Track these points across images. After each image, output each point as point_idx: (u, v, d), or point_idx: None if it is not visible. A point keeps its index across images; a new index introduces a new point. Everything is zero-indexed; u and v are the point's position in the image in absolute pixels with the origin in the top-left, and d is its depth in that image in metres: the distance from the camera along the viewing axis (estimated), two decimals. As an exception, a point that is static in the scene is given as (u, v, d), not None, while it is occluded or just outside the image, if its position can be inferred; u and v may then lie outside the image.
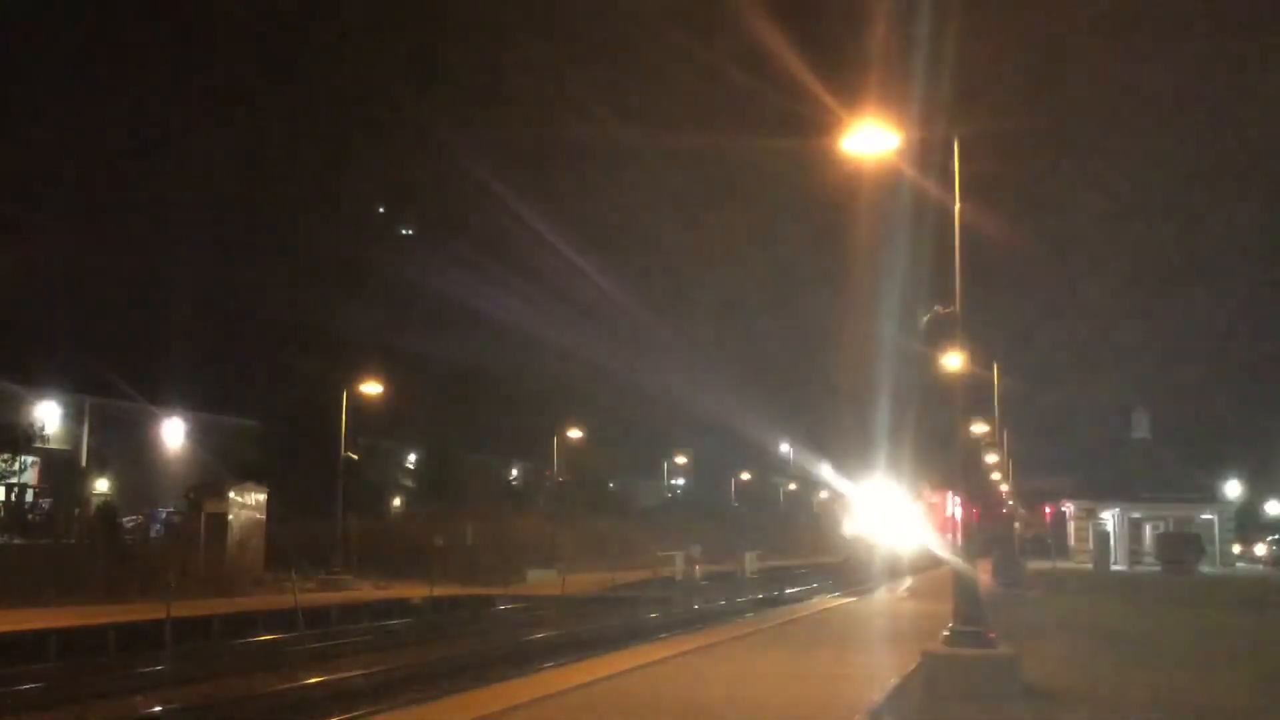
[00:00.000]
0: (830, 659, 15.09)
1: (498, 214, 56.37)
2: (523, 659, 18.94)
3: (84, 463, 42.00)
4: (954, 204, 11.78)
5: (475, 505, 43.92)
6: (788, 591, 37.10)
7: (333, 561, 32.73)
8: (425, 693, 14.62)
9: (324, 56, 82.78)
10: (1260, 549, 65.27)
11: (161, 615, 19.91)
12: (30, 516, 30.48)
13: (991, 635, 11.88)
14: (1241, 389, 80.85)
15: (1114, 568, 52.01)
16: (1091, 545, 55.86)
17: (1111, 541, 56.36)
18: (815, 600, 32.02)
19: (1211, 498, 61.01)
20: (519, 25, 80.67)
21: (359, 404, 35.77)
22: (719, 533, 58.33)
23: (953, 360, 12.10)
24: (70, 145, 56.46)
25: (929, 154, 11.67)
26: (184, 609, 21.17)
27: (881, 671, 13.19)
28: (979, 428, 30.29)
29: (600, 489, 63.39)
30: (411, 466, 55.45)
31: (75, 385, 41.74)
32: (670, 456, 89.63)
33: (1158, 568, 52.08)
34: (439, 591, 29.60)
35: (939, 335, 12.04)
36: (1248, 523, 67.71)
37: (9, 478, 31.78)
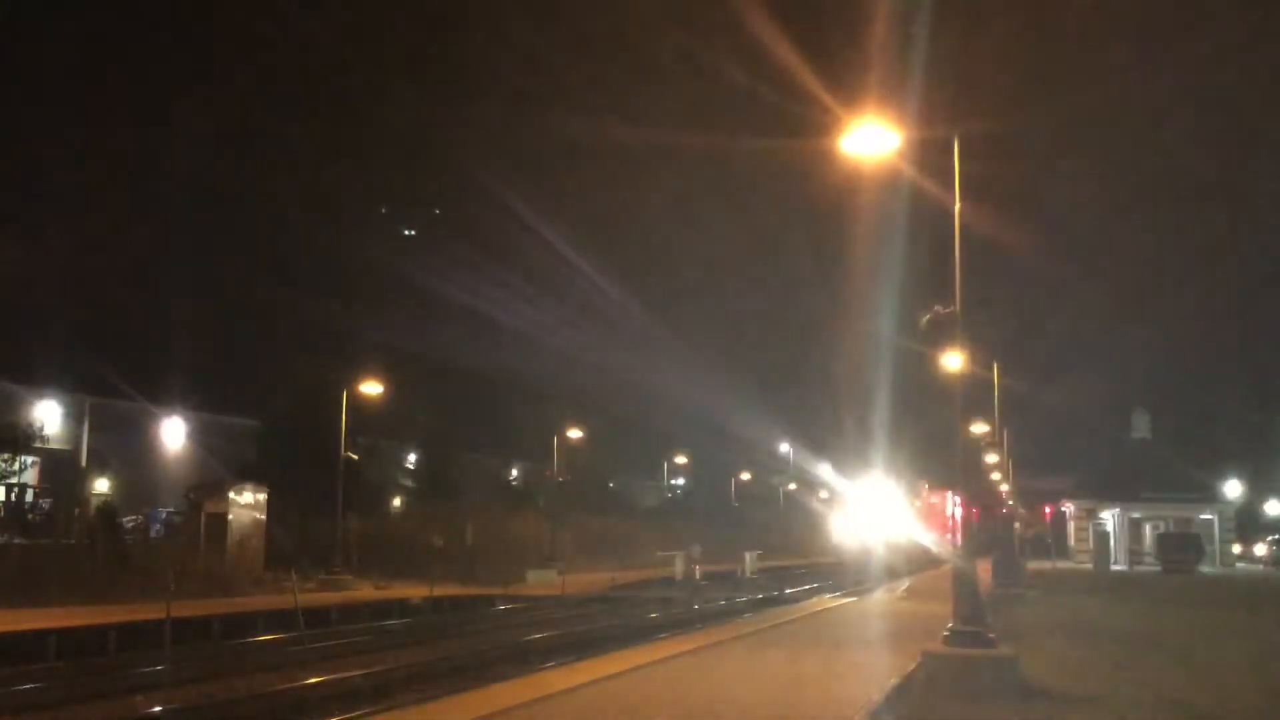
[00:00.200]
0: (830, 659, 15.07)
1: (498, 214, 56.56)
2: (522, 659, 18.93)
3: (84, 463, 42.05)
4: (954, 204, 11.78)
5: (475, 505, 43.96)
6: (787, 591, 37.08)
7: (332, 561, 32.69)
8: (425, 693, 14.62)
9: (324, 56, 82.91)
10: (1260, 549, 65.19)
11: (161, 615, 19.83)
12: (30, 516, 30.54)
13: (991, 635, 11.90)
14: (1241, 389, 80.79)
15: (1114, 568, 51.98)
16: (1091, 545, 55.87)
17: (1111, 541, 56.37)
18: (815, 600, 32.00)
19: (1211, 498, 61.01)
20: (519, 25, 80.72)
21: (359, 404, 35.73)
22: (719, 533, 58.35)
23: (953, 360, 12.11)
24: (70, 145, 56.57)
25: (929, 154, 11.68)
26: (184, 609, 21.12)
27: (881, 671, 13.18)
28: (979, 428, 30.32)
29: (600, 489, 63.39)
30: (411, 466, 55.42)
31: (75, 385, 41.76)
32: (670, 456, 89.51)
33: (1158, 568, 52.10)
34: (439, 591, 29.56)
35: (939, 335, 12.06)
36: (1247, 523, 67.62)
37: (9, 478, 31.78)
